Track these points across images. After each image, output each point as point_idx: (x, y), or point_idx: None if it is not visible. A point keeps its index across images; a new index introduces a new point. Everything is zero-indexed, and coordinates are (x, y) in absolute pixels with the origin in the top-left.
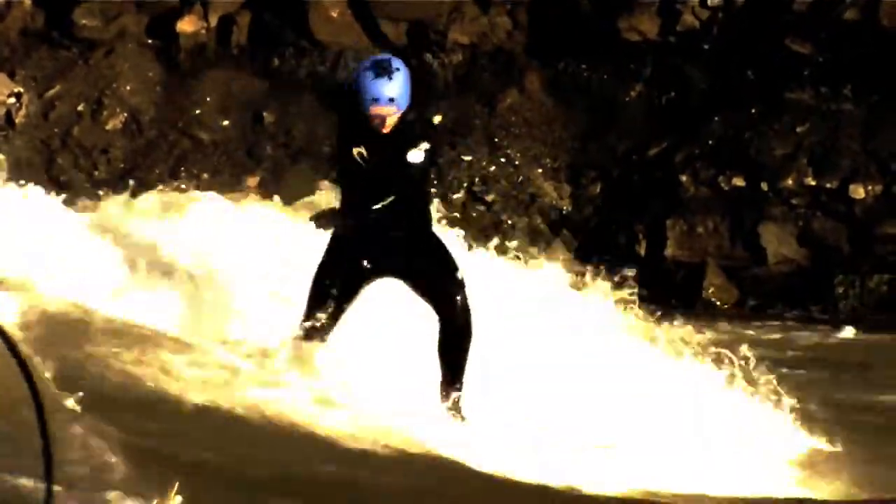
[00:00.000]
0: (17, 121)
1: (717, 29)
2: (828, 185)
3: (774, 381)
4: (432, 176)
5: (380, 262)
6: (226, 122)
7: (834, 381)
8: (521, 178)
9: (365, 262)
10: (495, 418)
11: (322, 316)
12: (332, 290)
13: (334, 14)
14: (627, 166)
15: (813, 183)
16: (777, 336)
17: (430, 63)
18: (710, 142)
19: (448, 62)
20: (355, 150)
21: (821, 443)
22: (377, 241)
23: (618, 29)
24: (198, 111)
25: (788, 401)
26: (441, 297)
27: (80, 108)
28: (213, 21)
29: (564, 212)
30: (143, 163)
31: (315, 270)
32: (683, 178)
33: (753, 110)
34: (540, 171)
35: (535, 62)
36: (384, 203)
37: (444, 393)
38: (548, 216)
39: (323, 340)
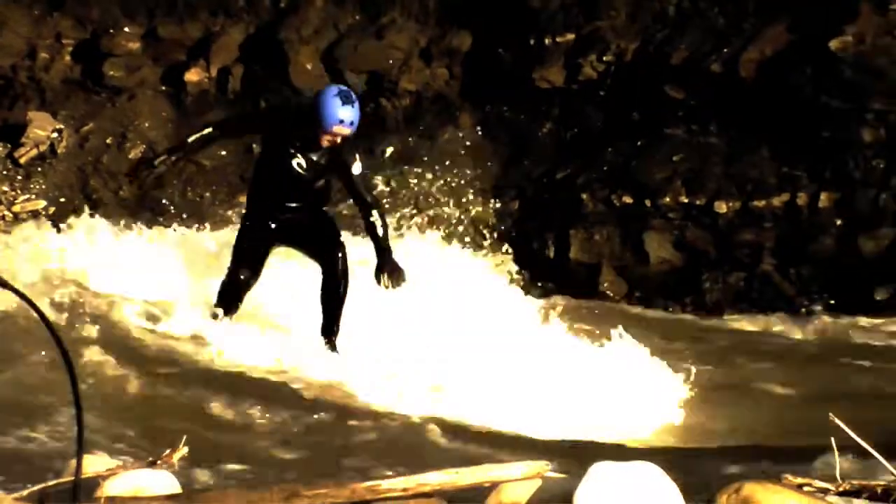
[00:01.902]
0: (58, 151)
1: (610, 79)
2: (697, 202)
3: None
4: (386, 193)
5: (282, 227)
6: (223, 152)
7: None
8: (456, 197)
9: (271, 224)
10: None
11: (241, 278)
12: (249, 250)
13: (309, 66)
14: (540, 187)
15: (686, 200)
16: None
17: (384, 105)
18: (605, 168)
19: (398, 105)
20: (295, 162)
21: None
22: (285, 220)
23: (532, 78)
24: None
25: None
26: (327, 255)
27: (108, 140)
28: (214, 72)
29: (491, 223)
30: (158, 184)
31: (236, 236)
32: (584, 196)
33: (639, 143)
34: (471, 191)
35: (467, 105)
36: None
37: (324, 333)
38: (478, 227)
39: (237, 306)
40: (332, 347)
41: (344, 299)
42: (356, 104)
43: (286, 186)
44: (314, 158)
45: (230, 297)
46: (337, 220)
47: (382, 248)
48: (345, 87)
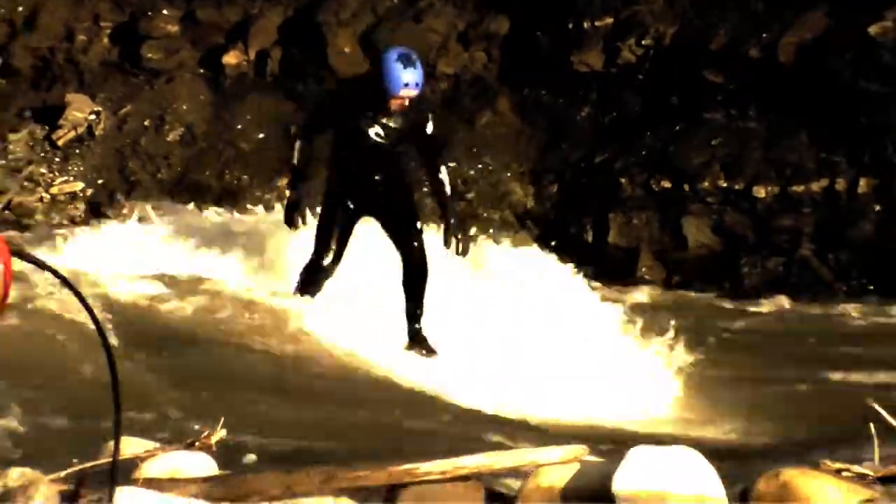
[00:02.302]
0: (97, 133)
1: (649, 63)
2: (736, 187)
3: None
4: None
5: (363, 204)
6: (261, 135)
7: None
8: (495, 180)
9: (350, 204)
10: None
11: (328, 255)
12: (334, 233)
13: (347, 49)
14: (578, 171)
15: (724, 185)
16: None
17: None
18: (643, 152)
19: (437, 88)
20: (373, 131)
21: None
22: (364, 190)
23: (570, 62)
24: (239, 126)
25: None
26: (404, 238)
27: (146, 123)
28: (252, 55)
29: (528, 207)
30: (196, 167)
31: (318, 220)
32: (622, 181)
33: (677, 127)
34: (509, 174)
35: (505, 88)
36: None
37: (408, 323)
38: (515, 210)
39: (323, 281)
40: (417, 334)
41: (424, 285)
42: (418, 64)
43: (367, 158)
44: (391, 125)
45: (311, 283)
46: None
47: (449, 212)
48: (404, 50)
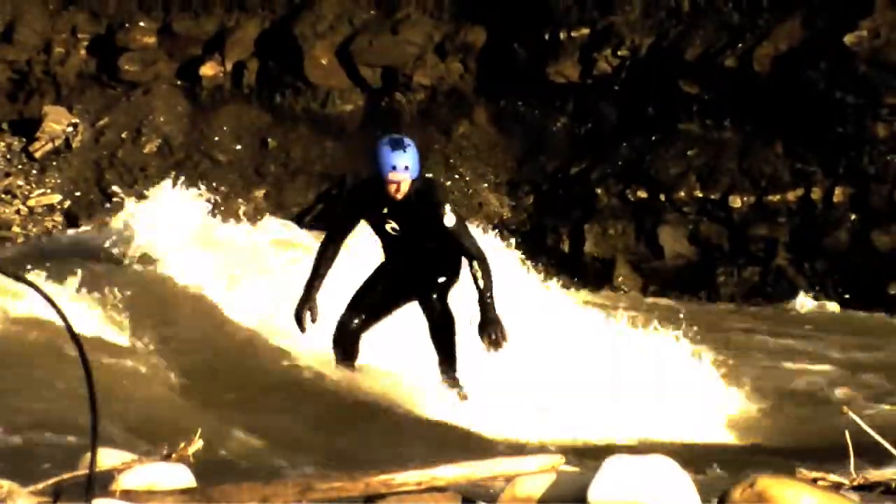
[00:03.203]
0: (74, 145)
1: (625, 73)
2: (712, 197)
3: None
4: None
5: (406, 291)
6: (238, 147)
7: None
8: (470, 190)
9: (394, 288)
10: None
11: (357, 319)
12: (369, 301)
13: (324, 61)
14: (554, 182)
15: (700, 195)
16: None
17: (399, 100)
18: (619, 162)
19: (413, 99)
20: (388, 226)
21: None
22: (410, 281)
23: (547, 73)
24: (216, 138)
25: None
26: (422, 298)
27: (123, 135)
28: (229, 66)
29: (505, 218)
30: (173, 178)
31: (361, 284)
32: (598, 191)
33: (653, 137)
34: (486, 185)
35: (482, 99)
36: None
37: (441, 371)
38: (491, 221)
39: (356, 356)
40: (454, 384)
41: (448, 339)
42: (409, 148)
43: (395, 251)
44: (404, 217)
45: (343, 347)
46: None
47: (485, 304)
48: (396, 136)
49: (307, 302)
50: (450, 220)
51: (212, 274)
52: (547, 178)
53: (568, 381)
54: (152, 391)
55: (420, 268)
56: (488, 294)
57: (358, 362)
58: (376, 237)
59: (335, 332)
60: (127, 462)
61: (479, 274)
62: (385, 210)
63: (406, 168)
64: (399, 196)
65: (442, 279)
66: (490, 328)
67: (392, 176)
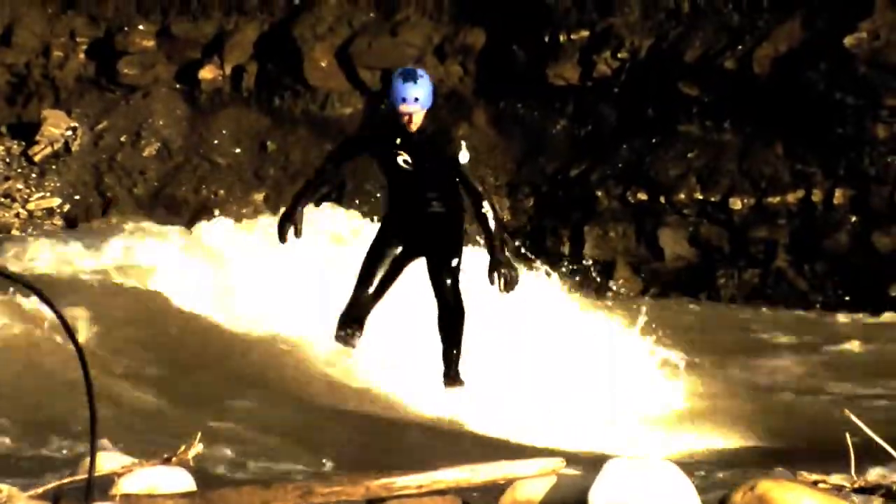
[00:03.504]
0: (73, 149)
1: (624, 76)
2: (712, 199)
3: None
4: None
5: (413, 242)
6: (237, 150)
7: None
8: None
9: (400, 242)
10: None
11: (369, 289)
12: (378, 272)
13: (323, 64)
14: (554, 184)
15: (700, 197)
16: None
17: None
18: (619, 164)
19: None
20: (400, 159)
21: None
22: (417, 226)
23: (546, 75)
24: (215, 141)
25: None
26: (438, 277)
27: (122, 138)
28: (228, 70)
29: (505, 220)
30: (172, 182)
31: (366, 252)
32: (598, 193)
33: (653, 139)
34: None
35: (481, 102)
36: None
37: (444, 366)
38: None
39: (361, 329)
40: (454, 377)
41: (460, 328)
42: (421, 80)
43: (404, 189)
44: (414, 150)
45: (349, 321)
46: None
47: (494, 245)
48: (411, 68)
49: (292, 213)
50: (464, 156)
51: (211, 277)
52: (547, 180)
53: (568, 383)
54: (152, 394)
55: (425, 216)
56: (498, 236)
57: (358, 345)
58: (385, 177)
59: (345, 309)
60: (127, 466)
61: (489, 214)
62: (398, 141)
63: (416, 100)
64: (413, 128)
65: (454, 261)
66: (501, 268)
67: (403, 108)
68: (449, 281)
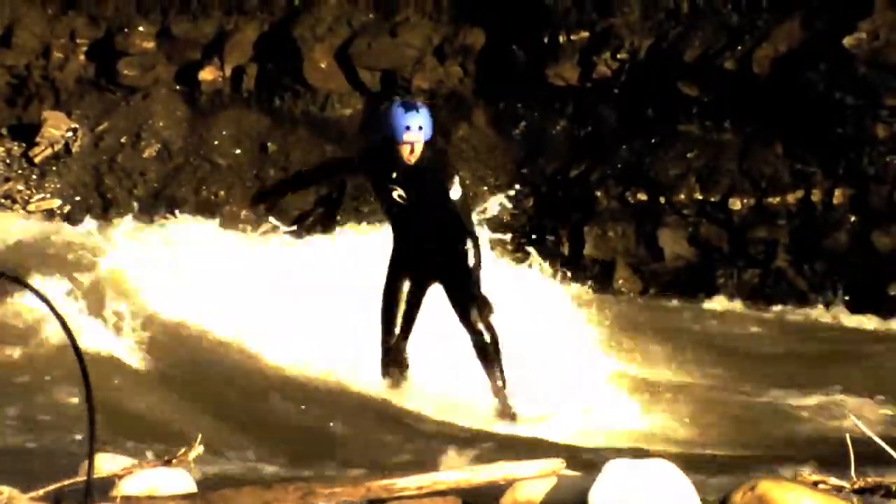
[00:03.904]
0: (73, 150)
1: (624, 76)
2: (711, 199)
3: None
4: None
5: (423, 271)
6: (238, 151)
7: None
8: (470, 193)
9: (410, 274)
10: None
11: (394, 332)
12: (398, 313)
13: (323, 65)
14: (554, 184)
15: (700, 197)
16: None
17: None
18: (619, 165)
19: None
20: (395, 194)
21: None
22: (424, 258)
23: (546, 76)
24: (216, 142)
25: None
26: (459, 311)
27: (122, 140)
28: (228, 71)
29: (504, 220)
30: (172, 183)
31: (382, 295)
32: (598, 193)
33: (653, 140)
34: (485, 187)
35: (481, 102)
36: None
37: (494, 393)
38: (491, 224)
39: (403, 368)
40: (511, 417)
41: (497, 355)
42: (422, 110)
43: (402, 223)
44: (412, 184)
45: (390, 366)
46: None
47: (471, 281)
48: (410, 100)
49: (272, 189)
50: (455, 192)
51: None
52: (546, 181)
53: (567, 384)
54: (152, 396)
55: (431, 241)
56: (476, 273)
57: (409, 377)
58: (383, 211)
59: (382, 357)
60: (127, 467)
61: (471, 252)
62: (394, 175)
63: (420, 128)
64: (412, 159)
65: (471, 284)
66: (477, 300)
67: (407, 136)
68: (475, 311)
